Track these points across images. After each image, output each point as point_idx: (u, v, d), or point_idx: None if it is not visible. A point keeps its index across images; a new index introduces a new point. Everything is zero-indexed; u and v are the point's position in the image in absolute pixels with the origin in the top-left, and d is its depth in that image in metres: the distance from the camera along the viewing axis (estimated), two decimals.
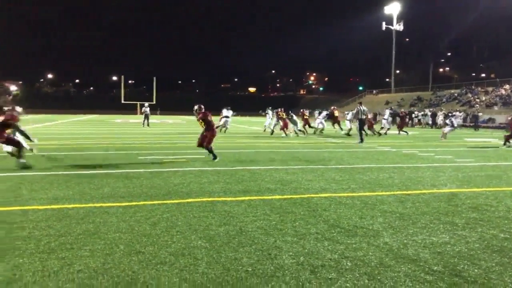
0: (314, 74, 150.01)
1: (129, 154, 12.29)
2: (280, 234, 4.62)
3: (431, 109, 45.82)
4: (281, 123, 22.43)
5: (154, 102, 63.84)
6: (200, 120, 10.88)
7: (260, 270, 3.62)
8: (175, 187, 7.26)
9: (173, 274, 3.49)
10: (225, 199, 6.33)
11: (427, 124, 41.53)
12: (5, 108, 9.58)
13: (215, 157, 10.78)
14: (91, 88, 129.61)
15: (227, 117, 24.58)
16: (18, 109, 9.63)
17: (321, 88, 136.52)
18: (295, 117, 22.90)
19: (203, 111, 10.88)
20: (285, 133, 21.82)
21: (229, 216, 5.34)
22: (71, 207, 5.71)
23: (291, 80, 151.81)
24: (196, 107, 11.05)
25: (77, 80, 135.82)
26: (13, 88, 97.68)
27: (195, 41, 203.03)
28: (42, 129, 25.48)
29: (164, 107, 75.09)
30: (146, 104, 34.79)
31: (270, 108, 26.48)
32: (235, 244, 4.27)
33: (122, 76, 73.11)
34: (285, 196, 6.59)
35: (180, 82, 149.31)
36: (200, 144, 10.80)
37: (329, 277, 3.49)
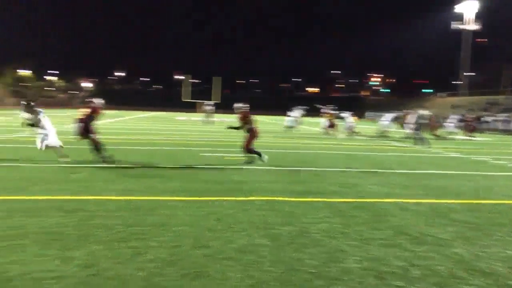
0: (379, 75, 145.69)
1: (192, 151, 12.65)
2: (343, 238, 4.55)
3: (506, 115, 42.81)
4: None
5: (219, 101, 65.09)
6: (241, 119, 10.21)
7: (324, 272, 3.59)
8: (236, 184, 7.38)
9: (238, 270, 3.55)
10: (287, 199, 6.33)
11: (501, 130, 38.88)
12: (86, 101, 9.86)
13: (259, 155, 10.02)
14: (159, 86, 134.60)
15: (292, 117, 24.83)
16: (98, 101, 9.64)
17: (385, 90, 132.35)
18: (347, 117, 22.57)
19: (244, 110, 10.26)
20: (333, 133, 21.72)
21: (291, 216, 5.33)
22: (141, 199, 5.99)
23: (354, 81, 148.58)
24: (237, 105, 10.42)
25: (146, 78, 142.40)
26: (88, 85, 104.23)
27: (258, 41, 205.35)
28: (114, 124, 26.93)
29: (225, 106, 76.44)
30: (211, 102, 35.65)
31: (330, 106, 26.07)
32: (298, 245, 4.26)
33: (185, 76, 75.54)
34: (348, 200, 6.47)
35: (242, 81, 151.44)
36: (248, 149, 10.06)
37: (397, 284, 3.39)
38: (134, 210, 5.36)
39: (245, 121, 10.16)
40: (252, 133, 10.08)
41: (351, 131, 22.50)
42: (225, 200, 6.11)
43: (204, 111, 34.91)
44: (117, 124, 27.18)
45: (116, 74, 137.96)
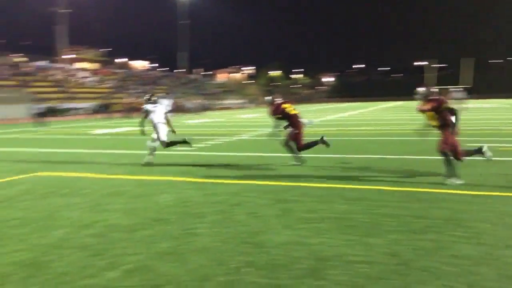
0: None
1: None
2: None
3: None
4: None
5: (471, 86, 58.60)
6: (429, 111, 6.40)
7: None
8: None
9: None
10: None
11: None
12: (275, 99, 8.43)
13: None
14: (399, 74, 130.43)
15: None
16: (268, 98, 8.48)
17: None
18: None
19: (436, 97, 6.46)
20: None
21: None
22: (417, 190, 5.81)
23: None
24: (422, 89, 6.71)
25: (386, 68, 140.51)
26: (329, 79, 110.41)
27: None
28: (358, 116, 27.61)
29: (480, 90, 67.46)
30: (460, 88, 32.47)
31: None
32: None
33: (428, 61, 70.82)
34: None
35: (497, 61, 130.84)
36: (443, 150, 6.32)
37: None
38: (416, 202, 5.21)
39: (437, 113, 6.36)
40: (448, 129, 6.35)
41: None
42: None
43: (452, 98, 31.91)
44: (362, 116, 27.63)
45: (354, 66, 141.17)
